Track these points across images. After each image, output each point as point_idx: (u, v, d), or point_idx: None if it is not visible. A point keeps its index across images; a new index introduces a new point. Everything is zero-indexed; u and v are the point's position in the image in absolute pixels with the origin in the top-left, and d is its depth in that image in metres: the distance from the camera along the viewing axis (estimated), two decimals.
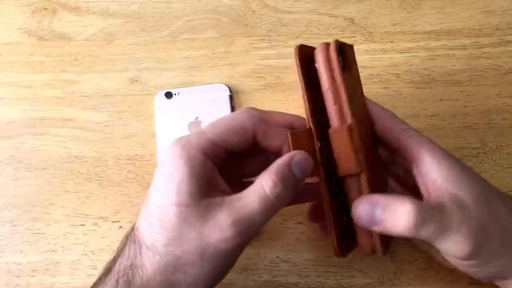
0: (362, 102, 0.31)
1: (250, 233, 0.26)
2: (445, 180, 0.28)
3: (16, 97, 0.42)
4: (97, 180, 0.39)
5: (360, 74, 0.32)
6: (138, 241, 0.27)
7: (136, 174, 0.39)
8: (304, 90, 0.29)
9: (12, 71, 0.42)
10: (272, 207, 0.26)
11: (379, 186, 0.31)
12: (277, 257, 0.37)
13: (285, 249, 0.37)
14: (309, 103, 0.29)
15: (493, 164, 0.39)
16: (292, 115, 0.31)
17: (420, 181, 0.30)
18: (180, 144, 0.27)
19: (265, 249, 0.37)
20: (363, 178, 0.28)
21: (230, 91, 0.41)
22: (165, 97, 0.40)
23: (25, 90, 0.42)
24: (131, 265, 0.26)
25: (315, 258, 0.37)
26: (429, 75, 0.41)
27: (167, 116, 0.40)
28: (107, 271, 0.28)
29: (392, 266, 0.36)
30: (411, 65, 0.41)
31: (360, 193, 0.29)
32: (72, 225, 0.38)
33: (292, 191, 0.27)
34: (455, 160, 0.29)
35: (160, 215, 0.26)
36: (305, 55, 0.29)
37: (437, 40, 0.42)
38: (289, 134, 0.28)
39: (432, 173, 0.28)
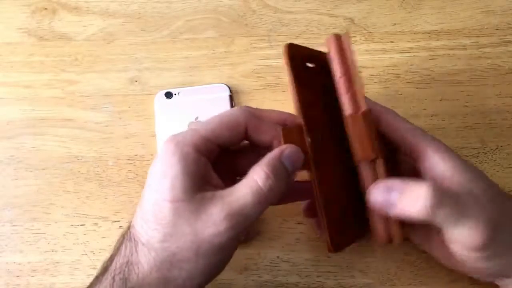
0: None
1: (244, 226, 0.26)
2: (454, 172, 0.29)
3: (16, 97, 0.42)
4: (97, 180, 0.39)
5: (360, 74, 0.32)
6: (134, 239, 0.27)
7: (136, 174, 0.39)
8: (294, 86, 0.29)
9: (12, 71, 0.42)
10: (265, 200, 0.27)
11: (390, 174, 0.31)
12: (277, 257, 0.37)
13: (285, 249, 0.37)
14: (299, 99, 0.29)
15: (493, 164, 0.39)
16: (285, 112, 0.32)
17: (428, 177, 0.30)
18: (173, 142, 0.27)
19: (265, 249, 0.37)
20: (379, 164, 0.29)
21: (230, 91, 0.41)
22: (165, 97, 0.40)
23: (25, 90, 0.42)
24: (127, 262, 0.26)
25: (315, 258, 0.37)
26: (429, 75, 0.41)
27: (167, 116, 0.40)
28: (104, 270, 0.28)
29: (392, 266, 0.36)
30: (411, 65, 0.41)
31: (375, 180, 0.29)
32: (72, 225, 0.38)
33: (284, 183, 0.27)
34: (460, 158, 0.30)
35: (155, 211, 0.26)
36: (295, 54, 0.30)
37: (437, 40, 0.42)
38: (281, 129, 0.29)
39: (440, 165, 0.29)
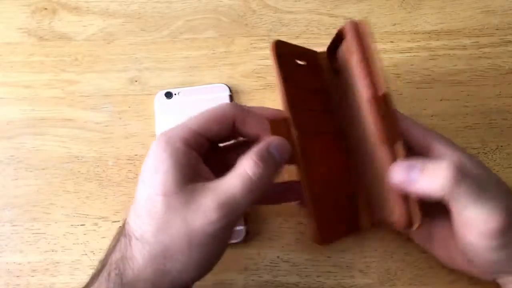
0: None
1: (235, 215, 0.27)
2: (466, 162, 0.29)
3: (16, 97, 0.42)
4: (97, 180, 0.39)
5: (380, 57, 0.32)
6: (128, 234, 0.27)
7: (136, 174, 0.39)
8: (280, 81, 0.30)
9: (12, 71, 0.42)
10: (255, 188, 0.27)
11: None
12: (277, 257, 0.37)
13: (285, 249, 0.37)
14: (285, 94, 0.30)
15: (493, 164, 0.39)
16: (274, 109, 0.32)
17: None
18: (164, 138, 0.28)
19: (265, 249, 0.37)
20: (399, 146, 0.29)
21: (230, 91, 0.41)
22: (165, 97, 0.40)
23: (25, 90, 0.42)
24: (122, 257, 0.27)
25: (315, 258, 0.37)
26: (429, 75, 0.41)
27: (167, 116, 0.40)
28: (101, 267, 0.28)
29: (392, 266, 0.36)
30: (411, 65, 0.41)
31: (393, 161, 0.29)
32: (72, 225, 0.38)
33: (273, 172, 0.28)
34: (471, 155, 0.31)
35: (147, 206, 0.27)
36: (284, 51, 0.31)
37: (438, 40, 0.42)
38: (268, 123, 0.30)
39: (450, 154, 0.30)
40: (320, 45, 0.36)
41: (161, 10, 0.44)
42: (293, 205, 0.36)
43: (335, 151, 0.34)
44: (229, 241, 0.29)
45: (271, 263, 0.37)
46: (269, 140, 0.29)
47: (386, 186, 0.29)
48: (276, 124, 0.30)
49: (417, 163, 0.28)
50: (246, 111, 0.30)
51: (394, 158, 0.29)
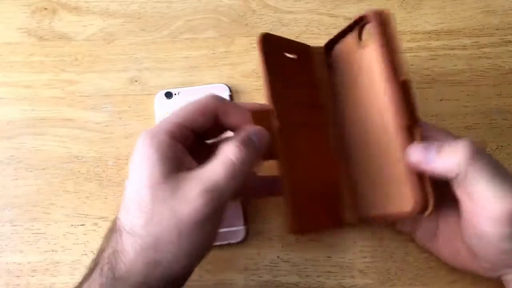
0: None
1: (220, 201, 0.27)
2: (482, 148, 0.30)
3: (16, 97, 0.42)
4: (97, 180, 0.39)
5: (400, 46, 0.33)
6: (119, 229, 0.28)
7: None
8: (265, 72, 0.31)
9: (12, 71, 0.42)
10: (238, 172, 0.27)
11: None
12: (277, 257, 0.37)
13: (285, 249, 0.37)
14: (270, 86, 0.31)
15: None
16: (258, 103, 0.34)
17: None
18: (148, 134, 0.28)
19: (265, 249, 0.37)
20: (417, 132, 0.30)
21: (230, 91, 0.41)
22: (165, 97, 0.40)
23: (25, 90, 0.42)
24: (114, 252, 0.27)
25: (315, 258, 0.37)
26: (429, 75, 0.41)
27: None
28: (94, 265, 0.28)
29: (392, 266, 0.36)
30: (411, 65, 0.41)
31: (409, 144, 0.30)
32: (72, 225, 0.38)
33: (254, 156, 0.29)
34: None
35: (136, 199, 0.27)
36: (273, 44, 0.32)
37: (438, 40, 0.42)
38: (251, 113, 0.31)
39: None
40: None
41: (161, 10, 0.44)
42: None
43: (320, 145, 0.35)
44: (218, 229, 0.29)
45: (271, 263, 0.37)
46: (249, 129, 0.30)
47: (398, 175, 0.30)
48: (258, 115, 0.31)
49: (433, 144, 0.29)
50: (229, 103, 0.31)
51: (407, 142, 0.30)
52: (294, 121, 0.33)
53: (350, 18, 0.43)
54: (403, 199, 0.30)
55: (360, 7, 0.43)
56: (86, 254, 0.37)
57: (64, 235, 0.38)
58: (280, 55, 0.34)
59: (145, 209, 0.27)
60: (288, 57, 0.35)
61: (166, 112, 0.40)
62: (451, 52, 0.42)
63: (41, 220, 0.38)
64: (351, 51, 0.34)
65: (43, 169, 0.39)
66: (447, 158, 0.28)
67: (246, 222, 0.37)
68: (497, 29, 0.42)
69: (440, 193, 0.29)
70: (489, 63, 0.41)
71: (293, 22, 0.43)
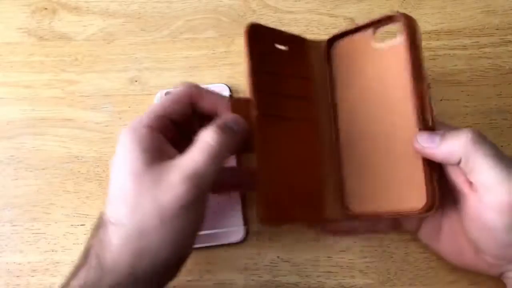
0: None
1: (202, 186, 0.27)
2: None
3: (16, 97, 0.42)
4: (97, 180, 0.39)
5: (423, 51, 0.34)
6: (105, 222, 0.28)
7: None
8: (248, 62, 0.32)
9: (12, 71, 0.42)
10: (217, 155, 0.28)
11: None
12: (277, 257, 0.37)
13: (285, 249, 0.37)
14: (251, 75, 0.32)
15: None
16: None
17: None
18: (129, 129, 0.29)
19: (265, 249, 0.37)
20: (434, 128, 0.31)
21: (230, 91, 0.41)
22: None
23: (25, 90, 0.42)
24: (100, 243, 0.27)
25: (315, 258, 0.37)
26: (429, 75, 0.41)
27: None
28: (83, 259, 0.28)
29: (392, 266, 0.36)
30: None
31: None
32: (72, 225, 0.38)
33: (231, 141, 0.29)
34: None
35: (120, 191, 0.28)
36: (262, 34, 0.33)
37: (438, 40, 0.42)
38: (229, 100, 0.31)
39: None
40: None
41: (161, 10, 0.44)
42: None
43: (307, 138, 0.35)
44: (203, 217, 0.29)
45: (271, 263, 0.37)
46: (226, 116, 0.30)
47: (409, 173, 0.30)
48: (237, 103, 0.31)
49: (438, 132, 0.30)
50: (204, 89, 0.32)
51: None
52: (278, 113, 0.33)
53: (350, 18, 0.43)
54: (413, 196, 0.30)
55: (360, 7, 0.43)
56: None
57: (64, 235, 0.38)
58: (269, 46, 0.34)
59: (129, 199, 0.27)
60: (279, 49, 0.35)
61: None
62: (451, 52, 0.42)
63: (41, 220, 0.38)
64: (359, 48, 0.34)
65: (43, 169, 0.40)
66: (450, 143, 0.29)
67: (246, 222, 0.37)
68: (497, 29, 0.42)
69: (444, 192, 0.30)
70: (489, 63, 0.41)
71: (293, 22, 0.43)
